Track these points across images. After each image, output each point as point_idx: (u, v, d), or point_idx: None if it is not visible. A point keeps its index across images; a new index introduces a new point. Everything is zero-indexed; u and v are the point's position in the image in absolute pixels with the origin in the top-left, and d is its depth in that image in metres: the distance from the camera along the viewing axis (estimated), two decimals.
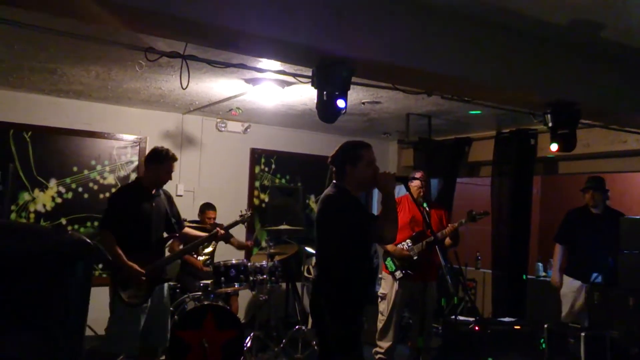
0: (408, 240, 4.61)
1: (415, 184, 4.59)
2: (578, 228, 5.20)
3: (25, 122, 5.70)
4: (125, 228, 3.79)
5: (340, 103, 2.91)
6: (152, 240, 3.91)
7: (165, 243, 4.19)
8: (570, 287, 5.17)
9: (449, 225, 4.59)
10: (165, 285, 4.01)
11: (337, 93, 2.91)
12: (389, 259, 4.66)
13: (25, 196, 5.72)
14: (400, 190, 4.85)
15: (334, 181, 3.15)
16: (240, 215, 4.78)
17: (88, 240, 1.86)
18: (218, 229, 4.35)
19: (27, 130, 5.72)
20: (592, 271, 5.06)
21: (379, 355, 4.66)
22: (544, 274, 6.55)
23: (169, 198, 4.16)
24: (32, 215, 5.74)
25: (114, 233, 3.76)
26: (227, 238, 5.93)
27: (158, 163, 3.93)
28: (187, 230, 4.32)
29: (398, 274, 4.59)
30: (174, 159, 3.97)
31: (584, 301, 5.06)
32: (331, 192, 3.09)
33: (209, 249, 5.94)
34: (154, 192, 3.97)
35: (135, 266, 3.70)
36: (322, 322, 3.02)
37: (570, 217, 5.36)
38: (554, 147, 3.76)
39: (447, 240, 4.58)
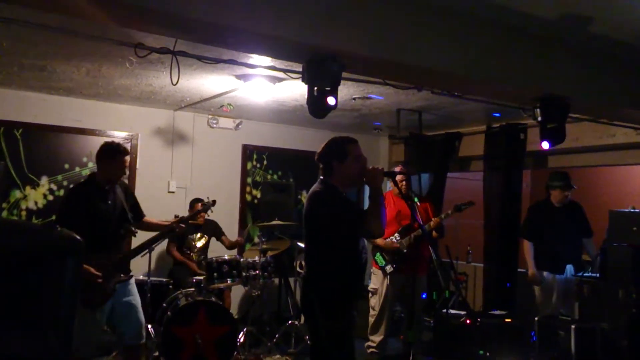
0: (396, 234, 4.63)
1: (397, 178, 4.60)
2: (543, 222, 5.27)
3: (15, 119, 5.68)
4: (80, 228, 3.60)
5: (331, 100, 2.91)
6: (109, 239, 3.77)
7: (125, 239, 4.01)
8: (544, 280, 5.22)
9: (433, 218, 4.62)
10: (131, 280, 3.88)
11: (327, 88, 2.92)
12: (378, 254, 4.69)
13: (17, 194, 5.71)
14: (386, 186, 4.88)
15: (321, 177, 3.15)
16: (202, 204, 4.66)
17: (77, 237, 1.86)
18: (174, 223, 4.11)
19: (18, 127, 5.70)
20: (561, 262, 5.13)
21: (371, 349, 4.69)
22: None
23: (126, 189, 4.02)
24: (23, 213, 5.73)
25: None
26: (214, 233, 5.94)
27: (109, 159, 3.77)
28: (146, 219, 4.14)
29: (389, 268, 4.62)
30: (125, 153, 3.81)
31: (558, 292, 5.12)
32: (318, 188, 3.10)
33: (200, 243, 5.94)
34: (108, 187, 3.80)
35: (91, 269, 3.54)
36: (314, 317, 3.03)
37: (534, 212, 5.44)
38: (545, 145, 3.77)
39: (433, 233, 4.61)
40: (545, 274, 5.20)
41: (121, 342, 3.88)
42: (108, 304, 3.68)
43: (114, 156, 3.76)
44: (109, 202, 3.77)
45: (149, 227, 4.17)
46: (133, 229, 3.94)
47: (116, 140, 6.11)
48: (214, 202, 4.59)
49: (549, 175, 5.39)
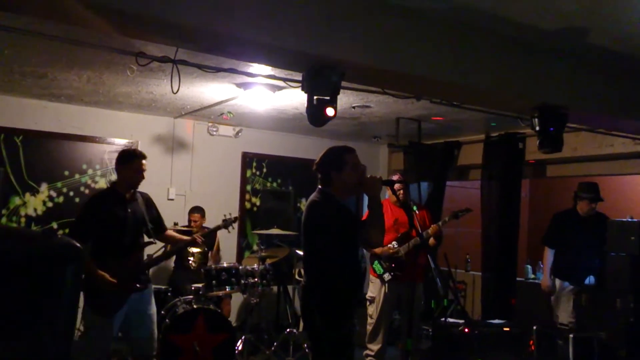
0: (394, 242, 4.64)
1: (395, 187, 4.62)
2: (567, 231, 5.26)
3: (16, 126, 5.70)
4: (99, 235, 3.68)
5: (330, 111, 2.93)
6: (127, 247, 3.77)
7: (143, 248, 3.96)
8: (564, 289, 5.22)
9: (432, 225, 4.63)
10: (150, 290, 3.88)
11: (327, 98, 2.94)
12: (376, 262, 4.69)
13: (16, 200, 5.72)
14: (384, 195, 4.90)
15: (320, 186, 3.17)
16: (224, 220, 4.64)
17: (78, 245, 1.87)
18: (196, 235, 4.24)
19: (18, 134, 5.72)
20: (584, 273, 5.13)
21: (369, 358, 4.68)
22: (532, 276, 6.61)
23: (148, 201, 3.99)
24: (22, 220, 5.73)
25: (85, 242, 3.55)
26: (211, 244, 5.95)
27: (126, 164, 3.79)
28: (169, 233, 4.20)
29: (386, 276, 4.62)
30: (142, 157, 3.81)
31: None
32: (316, 198, 3.12)
33: (197, 250, 5.93)
34: (129, 196, 3.81)
35: (106, 276, 3.55)
36: (314, 325, 3.04)
37: (559, 220, 5.41)
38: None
39: (432, 240, 4.61)
40: (563, 282, 5.20)
41: (132, 352, 3.86)
42: (122, 312, 3.66)
43: (131, 160, 3.78)
44: (129, 210, 3.77)
45: (169, 240, 4.21)
46: (153, 239, 3.93)
47: (115, 148, 6.20)
48: (235, 218, 4.66)
49: (577, 185, 5.35)
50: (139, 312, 3.76)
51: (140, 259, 3.93)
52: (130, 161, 3.78)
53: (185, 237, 4.28)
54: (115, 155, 6.19)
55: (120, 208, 3.75)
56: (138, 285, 3.74)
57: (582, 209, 5.21)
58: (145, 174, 3.85)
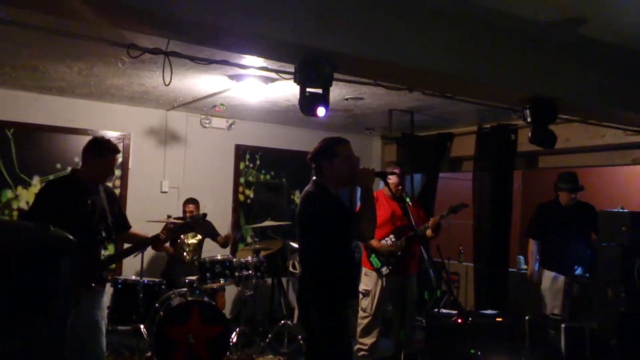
0: (391, 235, 4.64)
1: (392, 180, 4.62)
2: (551, 222, 5.29)
3: (7, 119, 5.66)
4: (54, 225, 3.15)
5: (320, 111, 2.93)
6: (84, 242, 3.09)
7: (101, 245, 3.61)
8: (552, 280, 5.25)
9: (432, 218, 4.65)
10: (103, 294, 3.48)
11: (319, 90, 2.94)
12: (373, 255, 4.67)
13: (8, 194, 5.69)
14: (378, 187, 4.89)
15: (314, 178, 3.18)
16: (192, 217, 4.15)
17: (71, 237, 1.87)
18: (161, 233, 3.78)
19: (10, 127, 5.68)
20: (570, 263, 5.16)
21: (362, 352, 4.68)
22: (525, 267, 6.65)
23: (110, 195, 3.65)
24: (15, 213, 5.71)
25: None
26: (211, 233, 5.94)
27: (98, 157, 3.45)
28: (132, 231, 3.82)
29: (385, 270, 4.60)
30: (116, 151, 3.52)
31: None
32: (310, 189, 3.13)
33: (192, 241, 5.93)
34: (89, 187, 3.47)
35: None
36: (309, 316, 3.06)
37: (542, 211, 5.45)
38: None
39: (429, 232, 4.62)
40: (551, 274, 5.23)
41: None
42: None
43: (103, 154, 3.47)
44: (88, 202, 3.43)
45: (132, 239, 3.84)
46: (113, 236, 3.56)
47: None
48: (204, 215, 4.29)
49: (557, 175, 5.38)
50: (86, 319, 3.31)
51: (99, 256, 3.60)
52: (102, 155, 3.46)
53: (146, 236, 3.86)
54: None
55: (79, 200, 3.39)
56: (93, 284, 3.38)
57: (563, 200, 5.25)
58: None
